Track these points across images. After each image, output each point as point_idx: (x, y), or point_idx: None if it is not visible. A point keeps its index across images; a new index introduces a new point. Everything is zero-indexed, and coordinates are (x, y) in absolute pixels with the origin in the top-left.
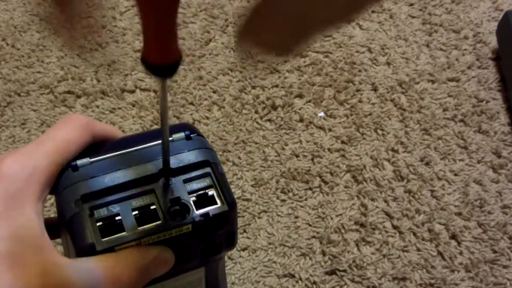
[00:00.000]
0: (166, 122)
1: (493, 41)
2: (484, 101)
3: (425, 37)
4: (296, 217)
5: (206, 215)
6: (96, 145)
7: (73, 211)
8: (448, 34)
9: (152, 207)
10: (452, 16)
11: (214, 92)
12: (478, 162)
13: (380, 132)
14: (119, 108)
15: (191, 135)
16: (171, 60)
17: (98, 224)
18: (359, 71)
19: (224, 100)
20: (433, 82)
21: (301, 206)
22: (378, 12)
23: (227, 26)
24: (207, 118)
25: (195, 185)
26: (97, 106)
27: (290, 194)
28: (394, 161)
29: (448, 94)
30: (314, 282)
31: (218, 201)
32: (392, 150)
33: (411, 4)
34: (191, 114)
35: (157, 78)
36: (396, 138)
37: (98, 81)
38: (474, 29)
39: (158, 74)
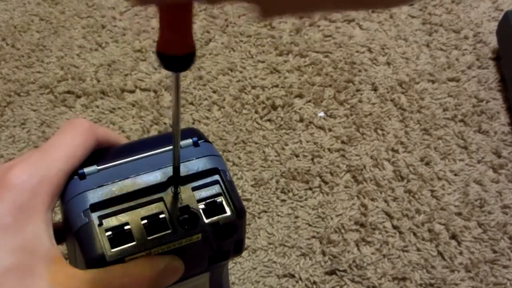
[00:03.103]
0: (178, 122)
1: (493, 41)
2: (484, 101)
3: (425, 37)
4: (296, 217)
5: (215, 224)
6: (101, 152)
7: (82, 221)
8: (448, 34)
9: (161, 216)
10: (452, 16)
11: (214, 92)
12: (478, 162)
13: (380, 132)
14: (119, 108)
15: (199, 142)
16: (186, 51)
17: (107, 234)
18: (359, 71)
19: (224, 100)
20: (433, 82)
21: (301, 206)
22: (378, 12)
23: (227, 26)
24: (207, 118)
25: (203, 193)
26: (97, 106)
27: (290, 194)
28: (394, 161)
29: (448, 94)
30: (314, 282)
31: (227, 209)
32: (392, 150)
33: (411, 4)
34: (191, 114)
35: (171, 72)
36: (396, 138)
37: (98, 81)
38: (474, 29)
39: (173, 67)
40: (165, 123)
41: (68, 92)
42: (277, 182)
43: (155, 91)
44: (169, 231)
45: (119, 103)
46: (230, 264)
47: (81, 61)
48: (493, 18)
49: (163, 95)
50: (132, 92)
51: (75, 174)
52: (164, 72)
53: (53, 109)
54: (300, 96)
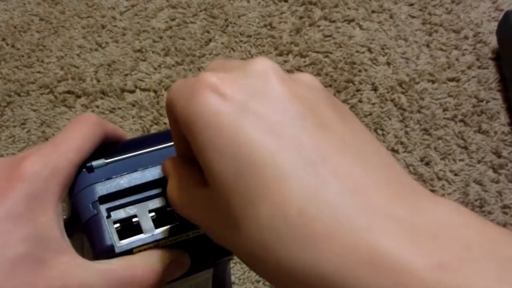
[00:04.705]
0: None
1: (493, 41)
2: (484, 101)
3: (425, 37)
4: None
5: None
6: (108, 146)
7: (91, 213)
8: (448, 34)
9: (169, 208)
10: (452, 16)
11: None
12: (478, 162)
13: (380, 132)
14: (119, 108)
15: None
16: None
17: (115, 226)
18: (359, 71)
19: None
20: (433, 82)
21: None
22: (378, 12)
23: (227, 26)
24: None
25: None
26: (97, 106)
27: None
28: None
29: (448, 94)
30: None
31: None
32: (392, 150)
33: (411, 4)
34: None
35: None
36: (396, 138)
37: (98, 81)
38: (474, 29)
39: None
40: (165, 123)
41: (68, 92)
42: None
43: (155, 91)
44: (176, 223)
45: (119, 103)
46: (231, 263)
47: (81, 61)
48: (493, 18)
49: (163, 95)
50: (132, 92)
51: (83, 167)
52: (164, 72)
53: (53, 109)
54: None
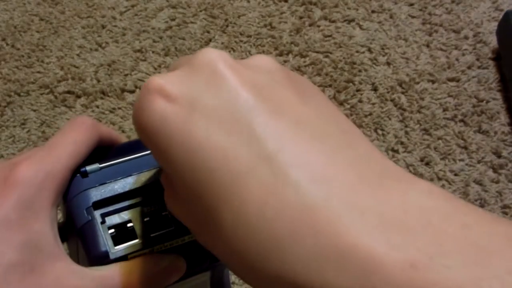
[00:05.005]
0: None
1: (493, 41)
2: (484, 101)
3: (425, 37)
4: None
5: None
6: (103, 150)
7: (85, 219)
8: (448, 34)
9: (164, 213)
10: (452, 16)
11: None
12: (478, 162)
13: (380, 132)
14: (119, 108)
15: None
16: None
17: (110, 231)
18: (359, 71)
19: None
20: (433, 82)
21: None
22: (378, 12)
23: (227, 26)
24: None
25: None
26: (97, 106)
27: None
28: (394, 161)
29: (448, 94)
30: None
31: None
32: (392, 150)
33: (411, 4)
34: None
35: None
36: (396, 138)
37: (98, 81)
38: (474, 29)
39: None
40: None
41: (68, 92)
42: None
43: None
44: (171, 228)
45: (119, 103)
46: None
47: (81, 61)
48: (493, 18)
49: None
50: (132, 92)
51: (77, 172)
52: (164, 72)
53: (53, 109)
54: None
